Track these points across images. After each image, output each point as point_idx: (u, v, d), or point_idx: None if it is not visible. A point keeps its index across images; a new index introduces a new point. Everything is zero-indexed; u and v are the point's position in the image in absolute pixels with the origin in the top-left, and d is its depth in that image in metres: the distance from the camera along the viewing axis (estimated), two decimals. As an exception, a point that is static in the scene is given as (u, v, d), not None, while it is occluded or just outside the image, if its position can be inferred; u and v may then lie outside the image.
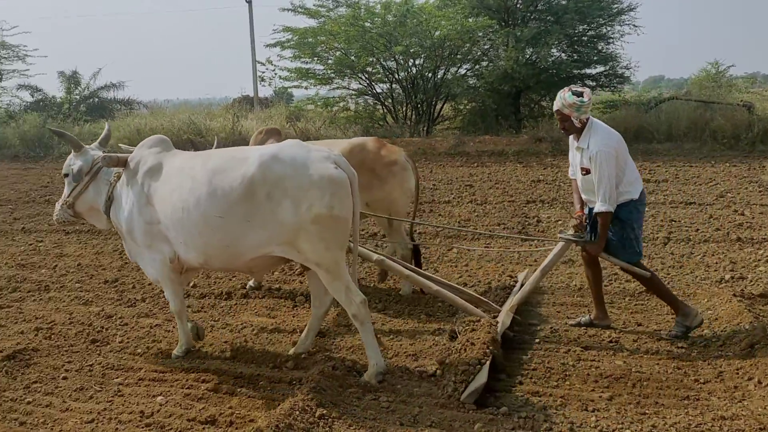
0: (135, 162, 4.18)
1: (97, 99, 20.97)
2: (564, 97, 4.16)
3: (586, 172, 4.24)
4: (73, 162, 4.42)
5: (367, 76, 16.73)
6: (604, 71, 16.64)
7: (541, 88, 16.02)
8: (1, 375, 4.00)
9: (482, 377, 3.44)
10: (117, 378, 3.97)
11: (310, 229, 3.58)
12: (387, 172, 5.18)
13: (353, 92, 17.21)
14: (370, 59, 15.97)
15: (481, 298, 4.46)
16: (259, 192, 3.61)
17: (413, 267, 4.69)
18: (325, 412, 3.31)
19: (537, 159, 12.34)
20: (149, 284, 5.67)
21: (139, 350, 4.40)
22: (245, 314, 5.12)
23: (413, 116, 16.61)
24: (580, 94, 4.12)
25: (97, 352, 4.40)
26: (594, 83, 16.41)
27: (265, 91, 23.60)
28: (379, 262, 4.43)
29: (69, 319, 5.03)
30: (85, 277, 6.19)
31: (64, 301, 5.52)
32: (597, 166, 4.09)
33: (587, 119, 4.21)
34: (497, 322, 4.09)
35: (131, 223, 4.11)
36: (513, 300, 4.45)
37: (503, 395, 3.60)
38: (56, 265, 6.61)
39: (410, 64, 16.21)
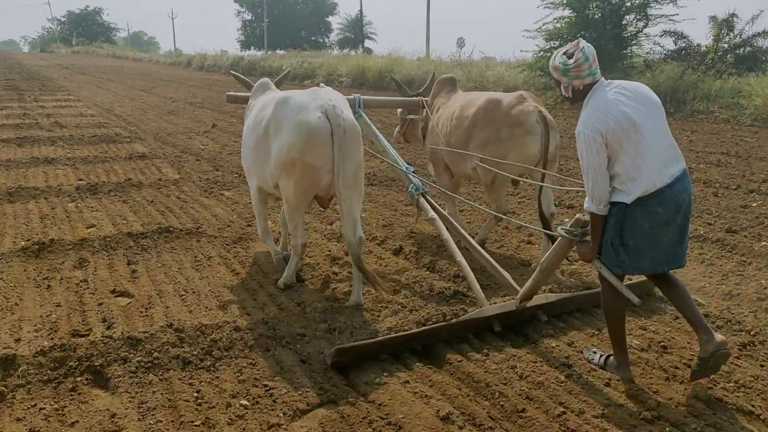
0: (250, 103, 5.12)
1: (749, 48, 17.47)
2: (553, 58, 3.12)
3: None
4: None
5: None
6: None
7: None
8: None
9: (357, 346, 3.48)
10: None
11: (288, 168, 4.07)
12: (507, 134, 4.80)
13: None
14: None
15: (516, 286, 3.99)
16: (270, 129, 4.20)
17: (463, 234, 4.54)
18: None
19: None
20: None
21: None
22: None
23: None
24: (570, 56, 3.04)
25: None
26: None
27: None
28: (432, 220, 4.69)
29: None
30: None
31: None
32: (579, 151, 3.02)
33: (586, 86, 3.08)
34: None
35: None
36: (519, 295, 3.77)
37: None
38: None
39: None
